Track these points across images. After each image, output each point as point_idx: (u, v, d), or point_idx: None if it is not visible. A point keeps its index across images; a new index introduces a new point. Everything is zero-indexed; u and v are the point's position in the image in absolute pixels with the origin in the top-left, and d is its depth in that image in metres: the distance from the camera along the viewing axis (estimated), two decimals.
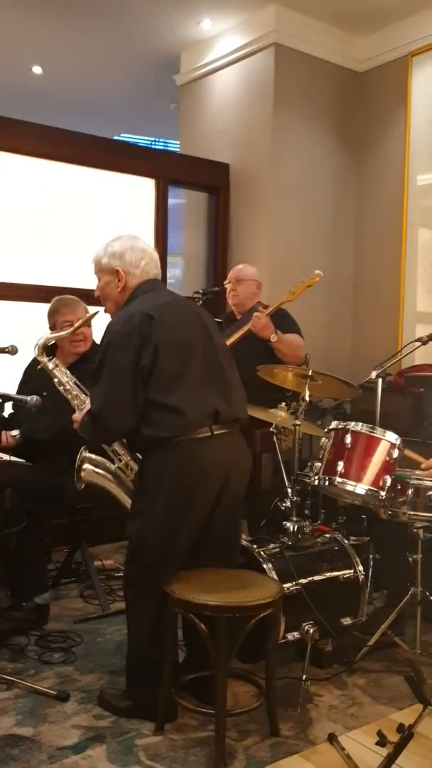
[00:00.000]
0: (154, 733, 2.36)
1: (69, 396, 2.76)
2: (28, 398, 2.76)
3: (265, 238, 5.01)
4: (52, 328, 3.43)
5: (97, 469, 2.68)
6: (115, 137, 7.67)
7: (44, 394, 2.90)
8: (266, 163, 4.97)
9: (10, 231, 4.37)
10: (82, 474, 2.67)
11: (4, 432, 3.13)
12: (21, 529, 2.82)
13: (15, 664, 2.83)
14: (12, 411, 3.29)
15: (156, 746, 2.29)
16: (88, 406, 2.50)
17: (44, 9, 4.95)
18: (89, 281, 2.73)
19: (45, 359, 2.79)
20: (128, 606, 2.51)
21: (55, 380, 2.78)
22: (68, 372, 2.83)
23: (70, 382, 2.78)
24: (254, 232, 5.10)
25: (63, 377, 2.78)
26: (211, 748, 2.23)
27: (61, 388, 2.78)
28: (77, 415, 2.55)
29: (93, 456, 2.71)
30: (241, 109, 5.13)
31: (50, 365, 2.80)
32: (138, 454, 2.59)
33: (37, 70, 6.15)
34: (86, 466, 2.68)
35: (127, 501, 2.62)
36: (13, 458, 2.89)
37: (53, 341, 3.03)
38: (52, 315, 3.48)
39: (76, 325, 2.92)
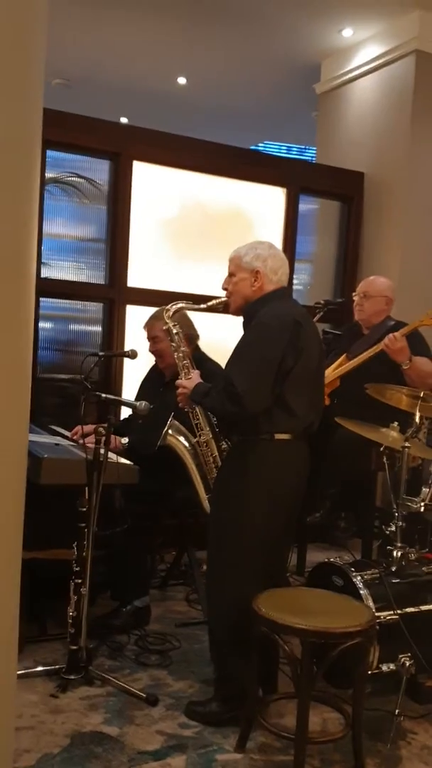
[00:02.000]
0: (235, 750, 2.34)
1: (180, 363, 2.96)
2: (138, 403, 2.85)
3: (397, 250, 4.85)
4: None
5: (179, 437, 2.99)
6: (254, 146, 7.75)
7: (151, 407, 2.99)
8: (403, 172, 4.81)
9: (144, 238, 4.49)
10: (167, 437, 2.98)
11: (114, 436, 3.22)
12: (124, 531, 2.89)
13: (112, 661, 2.91)
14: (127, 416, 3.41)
15: (235, 764, 2.27)
16: (195, 379, 2.73)
17: (189, 21, 5.06)
18: (217, 288, 2.79)
19: (170, 323, 3.01)
20: (210, 594, 2.69)
21: (173, 345, 3.01)
22: (186, 342, 3.05)
23: (185, 351, 3.00)
24: (386, 243, 4.95)
25: (181, 345, 3.00)
26: None
27: (176, 354, 2.99)
28: (186, 383, 2.74)
29: (180, 425, 3.00)
30: (380, 117, 5.01)
31: (174, 330, 3.01)
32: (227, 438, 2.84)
33: (181, 80, 6.31)
34: (171, 431, 2.99)
35: (195, 473, 2.94)
36: (122, 460, 2.97)
37: (184, 310, 3.12)
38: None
39: (210, 303, 2.89)
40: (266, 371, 2.46)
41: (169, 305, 3.03)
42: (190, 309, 3.05)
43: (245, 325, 2.66)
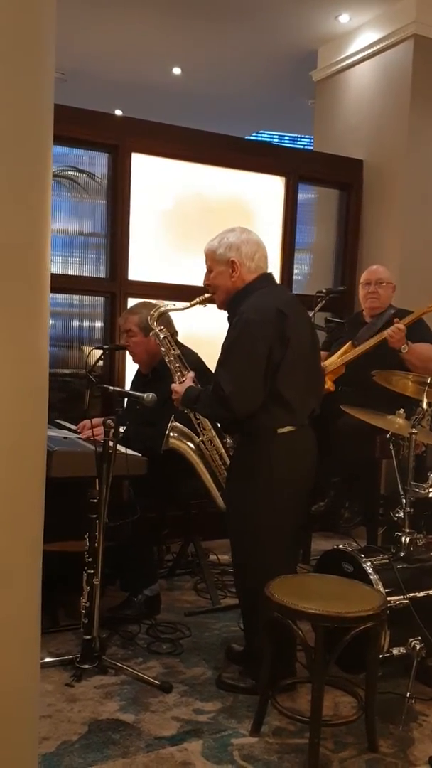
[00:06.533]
0: (250, 734, 2.37)
1: (172, 367, 2.98)
2: (145, 395, 2.86)
3: (397, 237, 4.85)
4: None
5: (182, 438, 3.02)
6: (248, 135, 7.73)
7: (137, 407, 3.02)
8: (402, 159, 4.80)
9: (144, 231, 4.49)
10: (170, 440, 2.99)
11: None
12: (134, 521, 2.91)
13: (125, 650, 2.94)
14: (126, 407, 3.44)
15: (251, 747, 2.31)
16: (187, 382, 2.72)
17: (184, 11, 5.04)
18: None
19: (157, 329, 3.01)
20: (237, 581, 2.80)
21: (163, 349, 3.01)
22: (175, 345, 3.06)
23: (176, 354, 3.01)
24: (386, 231, 4.96)
25: (171, 349, 3.01)
26: (306, 756, 2.21)
27: (167, 358, 3.00)
28: (178, 387, 2.73)
29: (182, 426, 3.02)
30: (378, 103, 5.00)
31: (161, 335, 3.01)
32: (228, 435, 2.91)
33: (176, 71, 6.29)
34: (173, 434, 3.00)
35: (204, 472, 3.02)
36: (130, 452, 2.98)
37: (168, 312, 3.11)
38: None
39: (194, 302, 2.89)
40: (252, 370, 2.44)
41: (153, 309, 3.02)
42: (174, 310, 3.05)
43: (229, 319, 2.65)
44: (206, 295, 2.76)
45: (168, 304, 3.04)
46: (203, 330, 3.89)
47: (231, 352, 2.50)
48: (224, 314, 2.73)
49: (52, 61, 1.36)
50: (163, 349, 3.02)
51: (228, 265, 2.60)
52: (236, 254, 2.59)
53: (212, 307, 2.87)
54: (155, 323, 3.01)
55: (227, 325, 2.65)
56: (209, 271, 2.68)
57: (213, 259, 2.64)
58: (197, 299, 2.84)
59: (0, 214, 1.20)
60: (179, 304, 3.01)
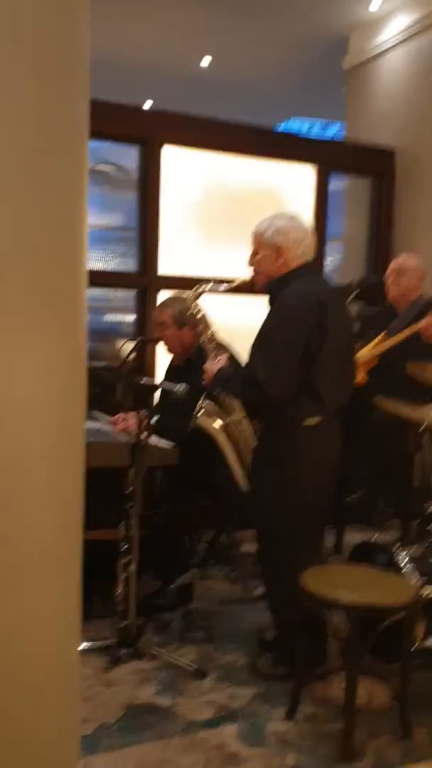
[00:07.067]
0: (285, 718, 2.40)
1: (207, 347, 2.94)
2: (176, 387, 2.89)
3: (429, 226, 4.81)
4: None
5: (211, 418, 2.99)
6: (279, 123, 7.70)
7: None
8: None
9: (175, 224, 4.50)
10: (198, 419, 2.97)
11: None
12: (167, 510, 2.95)
13: (159, 637, 2.99)
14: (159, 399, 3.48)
15: (286, 732, 2.34)
16: (220, 363, 2.70)
17: (213, 1, 5.03)
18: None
19: (195, 308, 2.99)
20: (264, 571, 2.76)
21: (199, 327, 2.99)
22: (213, 325, 3.03)
23: (212, 334, 2.98)
24: (419, 220, 4.92)
25: (207, 328, 2.98)
26: (340, 742, 2.24)
27: (203, 337, 2.98)
28: (211, 366, 2.72)
29: (212, 405, 2.98)
30: (410, 90, 4.95)
31: (199, 314, 2.99)
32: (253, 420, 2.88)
33: (205, 62, 6.29)
34: (202, 413, 2.97)
35: (230, 453, 2.97)
36: (162, 442, 3.02)
37: (208, 293, 3.06)
38: None
39: (234, 283, 2.85)
40: (289, 357, 2.44)
41: (193, 288, 3.02)
42: (216, 292, 3.00)
43: (271, 302, 2.64)
44: (247, 277, 2.74)
45: (210, 284, 2.99)
46: (238, 324, 3.91)
47: (269, 336, 2.50)
48: (256, 310, 2.73)
49: (87, 57, 1.38)
50: (200, 327, 3.01)
51: (274, 249, 2.58)
52: (284, 239, 2.57)
53: (248, 301, 2.85)
54: (194, 303, 2.99)
55: (260, 320, 2.64)
56: (255, 253, 2.66)
57: (260, 242, 2.62)
58: (238, 281, 2.80)
59: (42, 211, 1.23)
60: (221, 286, 2.95)
